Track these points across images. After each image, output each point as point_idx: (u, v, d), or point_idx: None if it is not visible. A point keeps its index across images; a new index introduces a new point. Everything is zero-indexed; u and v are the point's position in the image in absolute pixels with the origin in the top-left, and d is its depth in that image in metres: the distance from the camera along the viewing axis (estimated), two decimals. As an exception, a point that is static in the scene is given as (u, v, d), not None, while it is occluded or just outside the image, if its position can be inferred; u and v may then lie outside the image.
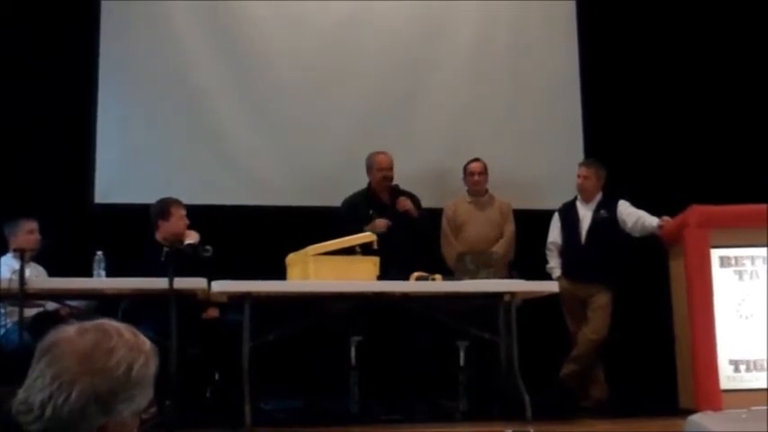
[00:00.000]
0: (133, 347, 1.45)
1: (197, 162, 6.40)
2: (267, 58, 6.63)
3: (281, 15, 6.69)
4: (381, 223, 5.73)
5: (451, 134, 6.73)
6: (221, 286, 4.72)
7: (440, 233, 6.18)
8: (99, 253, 4.85)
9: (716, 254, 5.16)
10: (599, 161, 6.16)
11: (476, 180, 6.19)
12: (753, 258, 5.17)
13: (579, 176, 6.04)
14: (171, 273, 4.49)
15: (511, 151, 6.72)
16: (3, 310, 5.07)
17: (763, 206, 5.08)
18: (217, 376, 5.11)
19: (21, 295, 4.48)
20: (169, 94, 6.47)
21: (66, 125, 6.25)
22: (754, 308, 5.10)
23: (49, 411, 1.37)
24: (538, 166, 6.75)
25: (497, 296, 5.12)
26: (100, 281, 4.83)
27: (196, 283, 4.70)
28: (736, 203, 5.21)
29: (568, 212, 6.07)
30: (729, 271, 5.16)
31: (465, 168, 6.24)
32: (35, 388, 1.40)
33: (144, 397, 1.46)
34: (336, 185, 6.24)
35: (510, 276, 5.47)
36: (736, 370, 5.05)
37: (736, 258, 5.17)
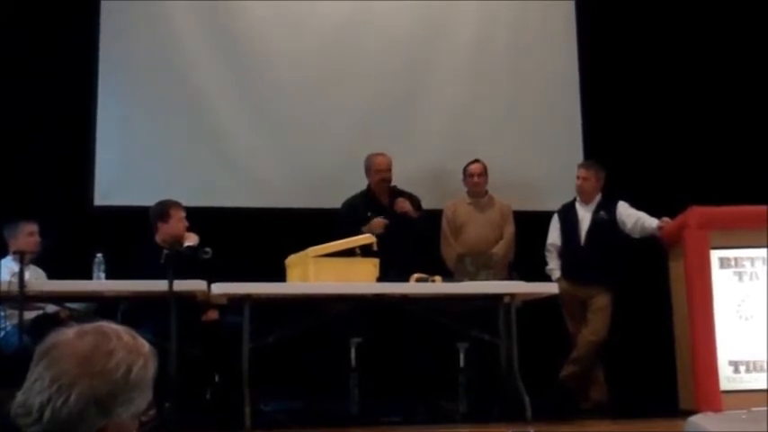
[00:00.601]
0: (132, 350, 1.45)
1: (197, 163, 6.40)
2: (267, 58, 6.64)
3: (281, 16, 6.69)
4: (378, 223, 5.73)
5: (451, 135, 6.73)
6: (221, 288, 4.72)
7: (439, 234, 6.19)
8: (99, 255, 4.85)
9: (716, 255, 5.16)
10: (598, 162, 6.15)
11: (475, 181, 6.19)
12: (752, 260, 5.17)
13: (578, 178, 6.03)
14: (171, 275, 4.49)
15: (510, 152, 6.72)
16: (2, 313, 5.06)
17: (762, 207, 5.08)
18: (217, 378, 5.11)
19: (20, 298, 4.48)
20: (169, 95, 6.47)
21: (66, 126, 6.25)
22: (754, 309, 5.10)
23: (47, 414, 1.37)
24: (537, 168, 6.75)
25: (497, 297, 5.12)
26: (99, 283, 4.82)
27: (196, 285, 4.70)
28: (736, 205, 5.20)
29: (568, 214, 6.06)
30: (729, 272, 5.16)
31: (465, 170, 6.24)
32: (34, 391, 1.40)
33: (143, 399, 1.45)
34: (336, 187, 6.24)
35: (510, 278, 5.47)
36: (736, 371, 5.05)
37: (735, 259, 5.17)
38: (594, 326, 5.85)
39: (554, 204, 6.24)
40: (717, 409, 4.59)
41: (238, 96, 6.56)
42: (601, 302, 5.86)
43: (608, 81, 6.84)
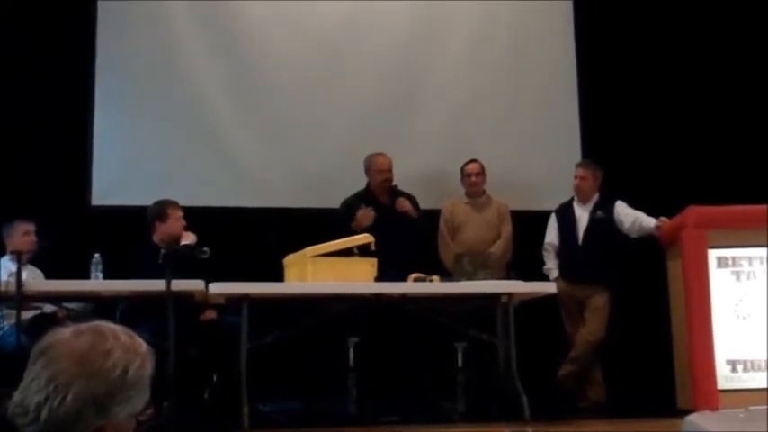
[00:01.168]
0: (129, 349, 1.45)
1: (195, 164, 6.39)
2: (265, 58, 6.63)
3: (280, 16, 6.69)
4: (365, 215, 5.70)
5: (449, 135, 6.73)
6: (219, 288, 4.72)
7: (437, 234, 6.18)
8: (96, 255, 4.85)
9: (713, 254, 5.16)
10: (596, 162, 6.16)
11: (473, 181, 6.19)
12: (750, 259, 5.17)
13: (576, 177, 6.04)
14: (168, 274, 4.49)
15: (508, 152, 6.72)
16: (0, 313, 5.06)
17: (760, 207, 5.08)
18: (215, 378, 5.11)
19: (18, 297, 4.48)
20: (167, 95, 6.47)
21: (64, 126, 6.25)
22: (752, 308, 5.11)
23: (44, 414, 1.37)
24: (535, 167, 6.75)
25: (495, 297, 5.12)
26: (97, 283, 4.82)
27: (194, 284, 4.70)
28: (734, 204, 5.21)
29: (565, 213, 6.07)
30: (727, 271, 5.16)
31: (462, 169, 6.24)
32: (31, 390, 1.40)
33: (140, 399, 1.46)
34: (335, 187, 6.23)
35: (507, 277, 5.47)
36: (734, 370, 5.06)
37: (733, 259, 5.18)
38: (592, 325, 5.86)
39: (552, 204, 6.24)
40: (714, 408, 4.60)
41: (236, 96, 6.56)
42: (598, 302, 5.86)
43: (606, 81, 6.85)
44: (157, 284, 4.52)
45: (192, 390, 4.96)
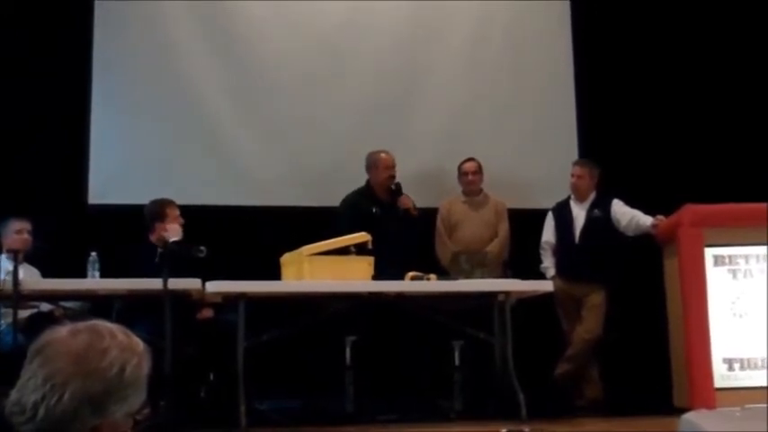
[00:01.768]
0: (126, 348, 1.45)
1: (192, 162, 6.39)
2: (263, 57, 6.62)
3: (279, 15, 6.68)
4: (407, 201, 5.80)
5: (447, 134, 6.72)
6: (216, 287, 4.72)
7: (434, 233, 6.18)
8: (93, 254, 4.84)
9: (710, 252, 5.16)
10: (593, 160, 6.17)
11: (470, 180, 6.19)
12: (747, 257, 5.18)
13: (573, 176, 6.05)
14: (165, 273, 4.48)
15: (506, 151, 6.72)
16: (-3, 312, 5.06)
17: (756, 205, 5.09)
18: (212, 377, 5.11)
19: (15, 296, 4.47)
20: (164, 95, 6.46)
21: (61, 126, 6.23)
22: (748, 306, 5.11)
23: (41, 412, 1.37)
24: (533, 166, 6.75)
25: (492, 295, 5.12)
26: (94, 282, 4.81)
27: (190, 283, 4.69)
28: (730, 202, 5.21)
29: (562, 212, 6.07)
30: (723, 269, 5.17)
31: (459, 168, 6.25)
32: (28, 389, 1.40)
33: (137, 398, 1.46)
34: (332, 185, 6.23)
35: (504, 276, 5.47)
36: (730, 368, 5.06)
37: (730, 257, 5.18)
38: (589, 324, 5.86)
39: (549, 202, 6.25)
40: (711, 406, 4.59)
41: (234, 95, 6.55)
42: (595, 300, 5.87)
43: (603, 80, 6.85)
44: (154, 283, 4.52)
45: (188, 388, 4.96)
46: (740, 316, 5.11)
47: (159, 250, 4.91)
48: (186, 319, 4.96)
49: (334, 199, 6.06)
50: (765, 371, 5.01)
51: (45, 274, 5.21)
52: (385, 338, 5.54)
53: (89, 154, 6.27)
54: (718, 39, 6.91)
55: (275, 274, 5.13)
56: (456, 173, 6.28)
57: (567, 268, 5.94)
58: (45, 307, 5.14)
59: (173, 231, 5.04)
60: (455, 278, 5.24)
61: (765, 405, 2.09)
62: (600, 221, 5.93)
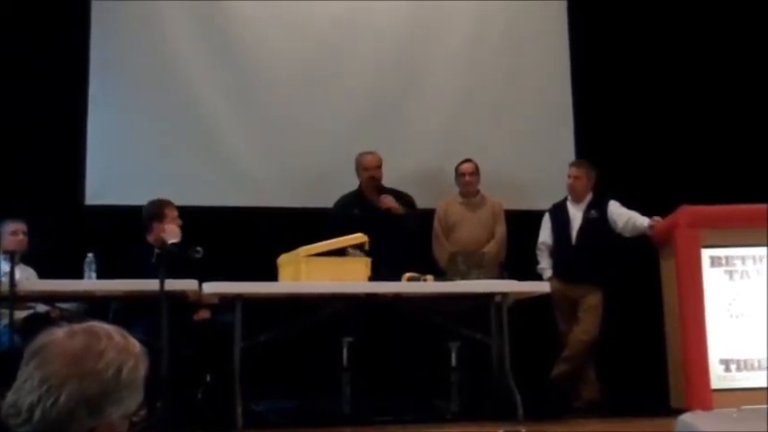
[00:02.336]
0: (122, 350, 1.45)
1: (189, 163, 6.37)
2: (261, 58, 6.61)
3: (276, 15, 6.67)
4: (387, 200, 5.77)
5: (444, 135, 6.72)
6: (212, 288, 4.72)
7: (431, 234, 6.18)
8: (89, 255, 4.83)
9: (706, 254, 5.17)
10: (590, 161, 6.17)
11: (467, 181, 6.19)
12: (743, 258, 5.18)
13: (570, 177, 6.05)
14: (162, 274, 4.48)
15: (503, 152, 6.72)
16: (-7, 312, 5.05)
17: (753, 206, 5.09)
18: (208, 378, 5.10)
19: (11, 297, 4.46)
20: (161, 95, 6.45)
21: (57, 126, 6.22)
22: (745, 307, 5.12)
23: (37, 414, 1.37)
24: (529, 167, 6.75)
25: (489, 297, 5.12)
26: (90, 283, 4.81)
27: (187, 284, 4.69)
28: (727, 203, 5.22)
29: (559, 213, 6.07)
30: (720, 271, 5.17)
31: (456, 169, 6.24)
32: (24, 391, 1.39)
33: (133, 400, 1.45)
34: (329, 186, 6.22)
35: (501, 277, 5.47)
36: (727, 369, 5.06)
37: (726, 258, 5.18)
38: (586, 325, 5.86)
39: (545, 203, 6.25)
40: (708, 407, 4.60)
41: (231, 96, 6.54)
42: (592, 301, 5.87)
43: (600, 81, 6.85)
44: (151, 284, 4.51)
45: (185, 390, 4.95)
46: (737, 317, 5.12)
47: (156, 251, 4.90)
48: (183, 321, 4.96)
49: (331, 200, 6.07)
50: (762, 372, 5.01)
51: (42, 275, 5.20)
52: (382, 339, 5.54)
53: (86, 154, 6.26)
54: (715, 39, 6.92)
55: (272, 275, 5.13)
56: (453, 173, 6.28)
57: (564, 269, 5.94)
58: (41, 308, 5.13)
59: (171, 233, 5.02)
60: (452, 279, 5.24)
61: (762, 406, 2.09)
62: (597, 222, 5.93)
